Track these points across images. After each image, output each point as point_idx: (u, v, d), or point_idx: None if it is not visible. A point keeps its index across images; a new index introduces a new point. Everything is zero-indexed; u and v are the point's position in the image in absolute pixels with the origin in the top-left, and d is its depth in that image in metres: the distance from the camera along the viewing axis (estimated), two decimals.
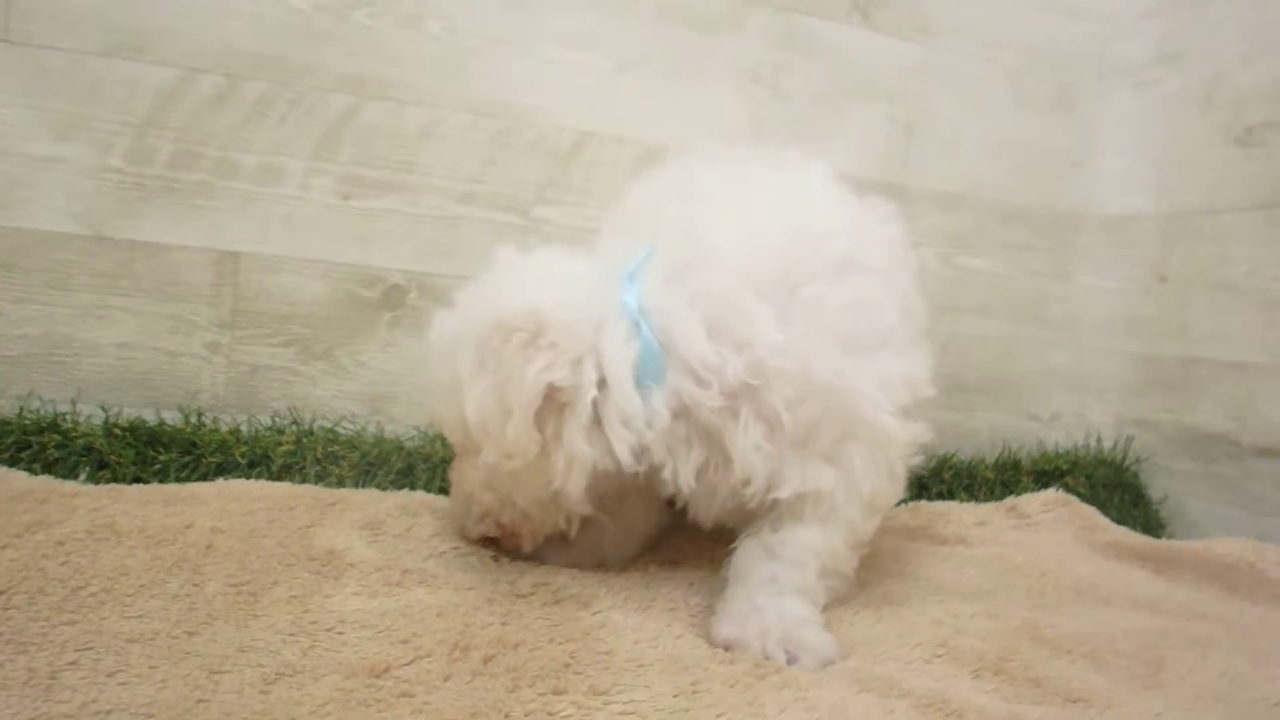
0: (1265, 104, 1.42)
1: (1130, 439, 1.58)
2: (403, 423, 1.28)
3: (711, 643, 0.81)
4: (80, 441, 1.09)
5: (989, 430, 1.58)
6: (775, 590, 0.85)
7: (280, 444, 1.16)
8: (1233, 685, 0.81)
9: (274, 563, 0.84)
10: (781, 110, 1.40)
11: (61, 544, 0.81)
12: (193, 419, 1.17)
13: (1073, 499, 1.43)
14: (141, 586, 0.75)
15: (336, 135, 1.23)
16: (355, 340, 1.27)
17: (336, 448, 1.18)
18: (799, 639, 0.80)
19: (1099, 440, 1.60)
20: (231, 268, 1.21)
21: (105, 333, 1.18)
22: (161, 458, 1.10)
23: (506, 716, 0.63)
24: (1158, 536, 1.42)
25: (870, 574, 1.13)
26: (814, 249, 0.85)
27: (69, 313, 1.16)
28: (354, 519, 0.98)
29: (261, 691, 0.63)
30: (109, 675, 0.62)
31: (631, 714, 0.65)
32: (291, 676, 0.66)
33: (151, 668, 0.64)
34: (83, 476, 1.07)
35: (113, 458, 1.09)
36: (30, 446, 1.07)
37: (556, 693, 0.67)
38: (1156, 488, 1.54)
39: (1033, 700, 0.74)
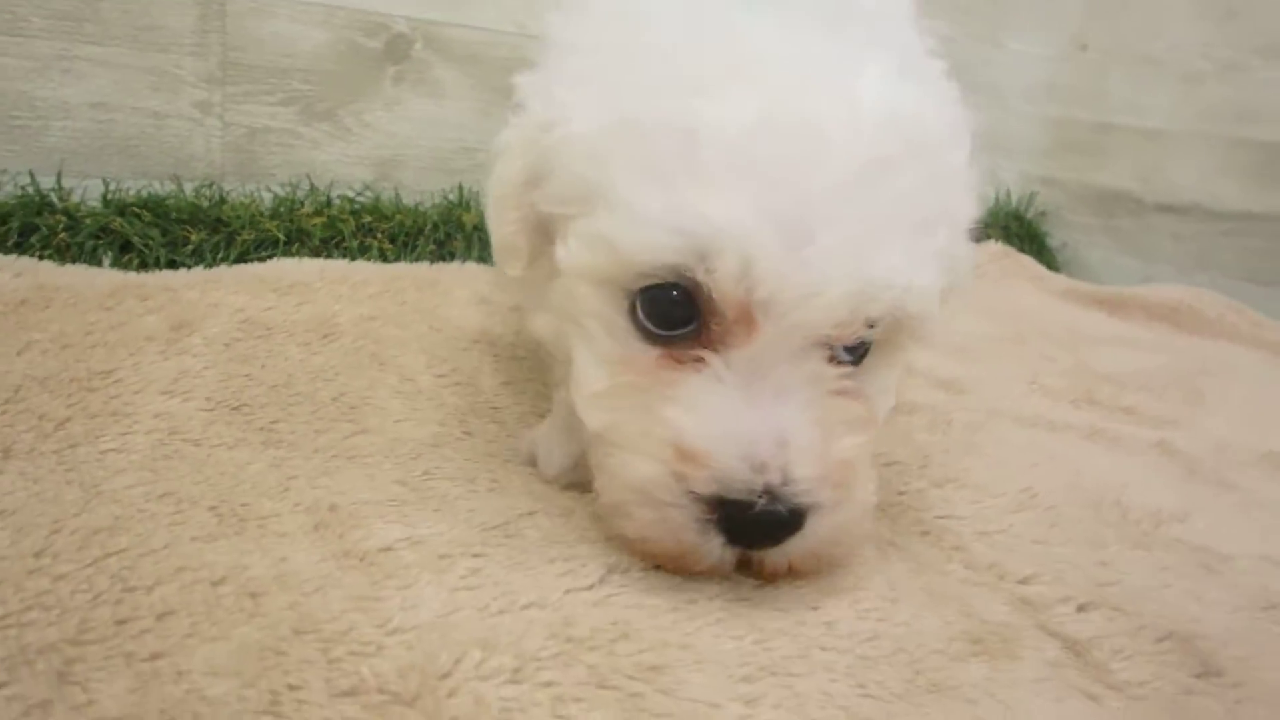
0: None
1: (1034, 194, 1.88)
2: (414, 189, 1.27)
3: None
4: (90, 222, 1.00)
5: None
6: None
7: (308, 215, 1.13)
8: (1264, 405, 1.10)
9: (448, 349, 0.88)
10: None
11: (229, 345, 0.80)
12: (208, 191, 1.09)
13: (1011, 250, 1.71)
14: (369, 386, 0.78)
15: None
16: (359, 98, 1.21)
17: (369, 218, 1.17)
18: None
19: (1008, 195, 1.89)
20: (218, 10, 1.09)
21: (75, 92, 1.04)
22: (193, 238, 1.04)
23: None
24: None
25: None
26: None
27: (27, 65, 1.01)
28: (464, 296, 1.02)
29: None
30: (470, 481, 0.66)
31: None
32: None
33: (470, 480, 0.65)
34: (107, 261, 1.00)
35: (137, 240, 1.01)
36: (36, 230, 0.98)
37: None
38: (1055, 237, 1.86)
39: (1142, 424, 0.99)
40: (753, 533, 0.51)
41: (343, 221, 1.13)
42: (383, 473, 0.64)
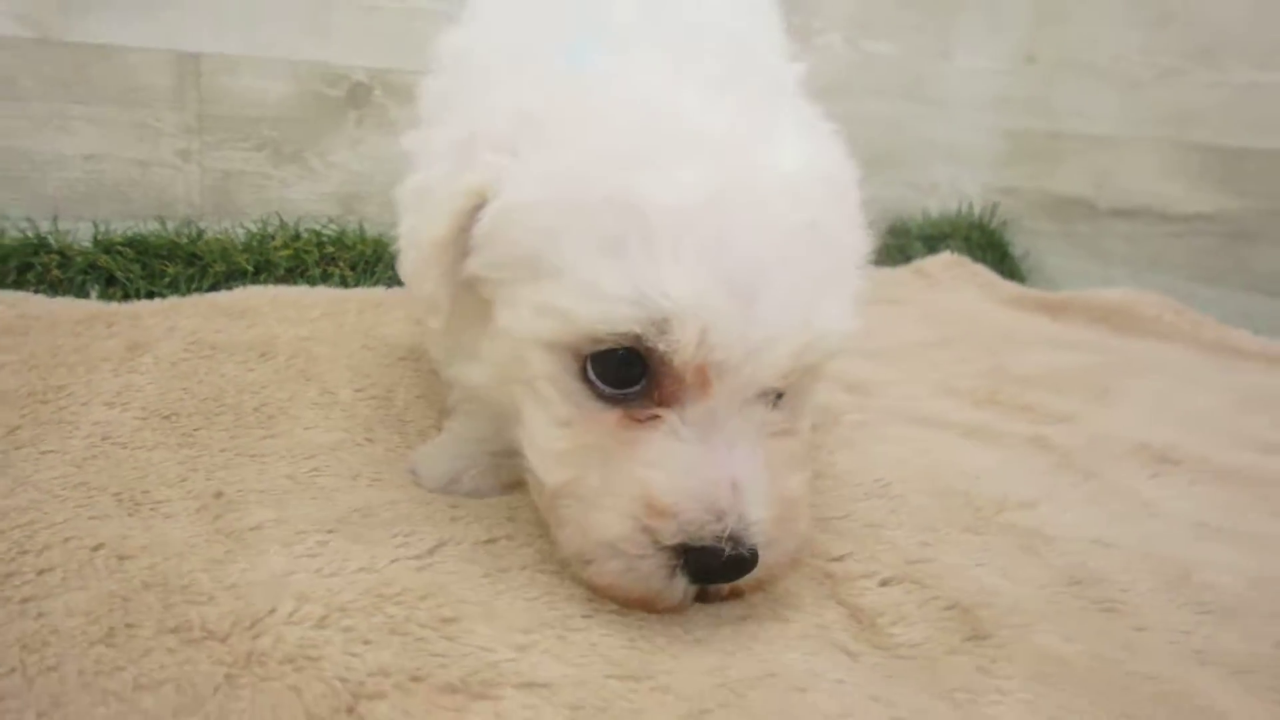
0: None
1: (996, 204, 1.94)
2: (376, 221, 1.39)
3: None
4: (81, 260, 1.14)
5: (878, 200, 1.88)
6: None
7: (277, 248, 1.26)
8: (1167, 401, 1.15)
9: (374, 367, 1.00)
10: None
11: (175, 364, 0.93)
12: (186, 230, 1.23)
13: (965, 259, 1.78)
14: (290, 398, 0.89)
15: None
16: (323, 141, 1.34)
17: (332, 249, 1.30)
18: None
19: (970, 205, 1.95)
20: (192, 69, 1.23)
21: (69, 144, 1.19)
22: (169, 271, 1.18)
23: None
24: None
25: None
26: None
27: (25, 125, 1.16)
28: (402, 316, 1.13)
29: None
30: (354, 476, 0.76)
31: None
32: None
33: (354, 476, 0.76)
34: (94, 294, 1.14)
35: (120, 273, 1.15)
36: (32, 268, 1.12)
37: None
38: (1018, 245, 1.92)
39: (1034, 421, 1.05)
40: (716, 574, 0.56)
41: (307, 252, 1.26)
42: (275, 469, 0.75)
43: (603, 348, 0.55)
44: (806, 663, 0.58)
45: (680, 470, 0.54)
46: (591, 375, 0.56)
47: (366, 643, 0.54)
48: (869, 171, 1.91)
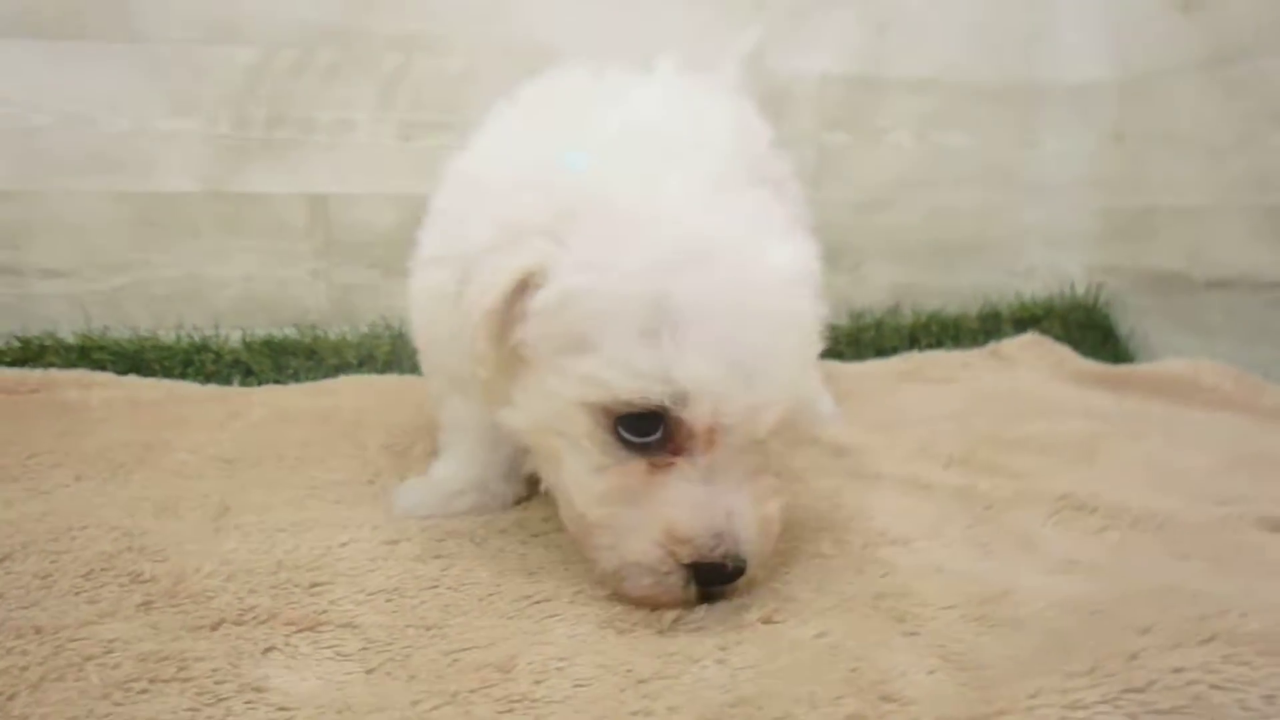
0: None
1: (1100, 285, 1.95)
2: None
3: None
4: (229, 357, 1.54)
5: (971, 287, 1.97)
6: None
7: (380, 346, 1.60)
8: (1154, 461, 1.17)
9: (409, 430, 1.28)
10: (761, 20, 1.75)
11: (255, 427, 1.26)
12: (311, 332, 1.61)
13: (1047, 339, 1.81)
14: (326, 450, 1.19)
15: (393, 88, 1.62)
16: None
17: None
18: None
19: (1072, 287, 1.98)
20: (321, 208, 1.63)
21: (231, 269, 1.61)
22: (292, 364, 1.55)
23: None
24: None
25: (860, 406, 1.54)
26: None
27: (202, 256, 1.60)
28: None
29: None
30: (336, 501, 1.03)
31: None
32: None
33: (336, 502, 1.03)
34: (236, 382, 1.52)
35: (255, 367, 1.53)
36: (193, 363, 1.53)
37: None
38: (1124, 324, 1.92)
39: (978, 478, 1.11)
40: (719, 581, 0.75)
41: (403, 348, 1.59)
42: (279, 495, 1.03)
43: (633, 410, 0.72)
44: (571, 617, 0.76)
45: (694, 507, 0.73)
46: (621, 430, 0.74)
47: (252, 592, 0.78)
48: (959, 259, 2.09)
